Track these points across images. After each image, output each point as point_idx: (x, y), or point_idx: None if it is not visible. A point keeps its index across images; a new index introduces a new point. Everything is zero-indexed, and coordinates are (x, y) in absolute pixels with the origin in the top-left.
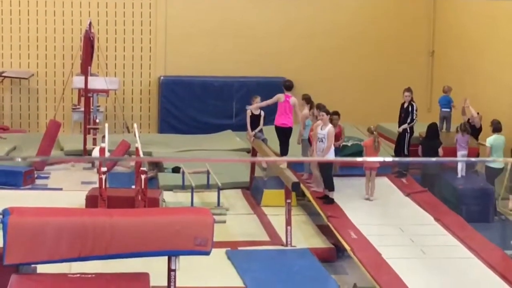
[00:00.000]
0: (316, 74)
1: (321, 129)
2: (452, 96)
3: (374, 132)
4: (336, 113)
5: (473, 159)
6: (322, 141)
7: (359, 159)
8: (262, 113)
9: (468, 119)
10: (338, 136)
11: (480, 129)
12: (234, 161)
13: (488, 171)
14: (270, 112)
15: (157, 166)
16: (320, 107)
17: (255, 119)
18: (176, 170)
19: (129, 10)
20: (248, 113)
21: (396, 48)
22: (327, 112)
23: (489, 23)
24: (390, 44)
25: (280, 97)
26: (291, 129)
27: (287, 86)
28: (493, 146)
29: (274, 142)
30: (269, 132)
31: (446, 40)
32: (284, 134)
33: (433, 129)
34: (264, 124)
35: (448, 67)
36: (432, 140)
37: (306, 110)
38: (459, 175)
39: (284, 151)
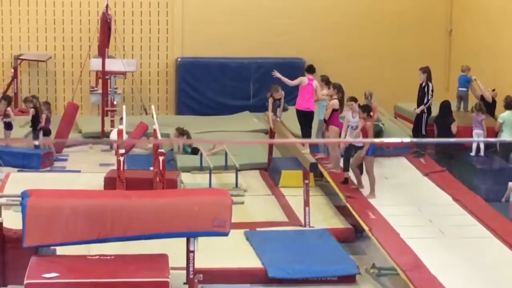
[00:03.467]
0: (333, 54)
1: (352, 117)
2: (470, 75)
3: (369, 97)
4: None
5: (487, 139)
6: (353, 128)
7: (376, 140)
8: (282, 93)
9: (481, 96)
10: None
11: (493, 104)
12: (252, 143)
13: (500, 145)
14: (289, 92)
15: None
16: (337, 87)
17: (276, 101)
18: (195, 151)
19: None
20: (270, 101)
21: (414, 27)
22: (356, 100)
23: (508, 1)
24: (408, 23)
25: (303, 80)
26: (313, 113)
27: (310, 69)
28: (505, 122)
29: (294, 124)
30: (290, 115)
31: (465, 19)
32: (306, 118)
33: (445, 107)
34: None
35: (466, 45)
36: (445, 118)
37: (325, 91)
38: (473, 153)
39: (306, 135)
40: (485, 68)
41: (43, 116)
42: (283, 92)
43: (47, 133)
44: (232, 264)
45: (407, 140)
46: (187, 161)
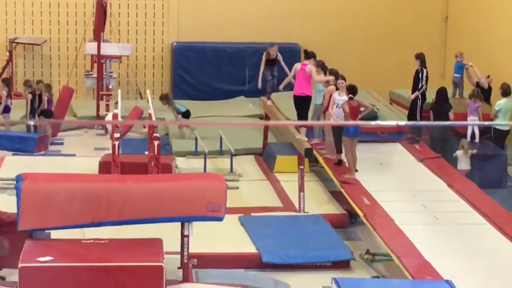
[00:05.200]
0: (329, 40)
1: (338, 95)
2: (464, 61)
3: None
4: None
5: (482, 122)
6: (339, 107)
7: (372, 123)
8: (279, 55)
9: (477, 82)
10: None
11: (489, 90)
12: (245, 125)
13: (496, 133)
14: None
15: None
16: (333, 73)
17: (271, 62)
18: (187, 114)
19: None
20: (264, 57)
21: (410, 14)
22: (345, 80)
23: None
24: (404, 9)
25: (297, 66)
26: (310, 98)
27: (307, 54)
28: (501, 109)
29: (288, 109)
30: (285, 100)
31: (460, 5)
32: (303, 103)
33: (442, 93)
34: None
35: (462, 32)
36: (442, 104)
37: (322, 76)
38: (468, 139)
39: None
40: (481, 54)
41: (44, 99)
42: (280, 55)
43: (48, 115)
44: (227, 249)
45: (402, 123)
46: (182, 146)
